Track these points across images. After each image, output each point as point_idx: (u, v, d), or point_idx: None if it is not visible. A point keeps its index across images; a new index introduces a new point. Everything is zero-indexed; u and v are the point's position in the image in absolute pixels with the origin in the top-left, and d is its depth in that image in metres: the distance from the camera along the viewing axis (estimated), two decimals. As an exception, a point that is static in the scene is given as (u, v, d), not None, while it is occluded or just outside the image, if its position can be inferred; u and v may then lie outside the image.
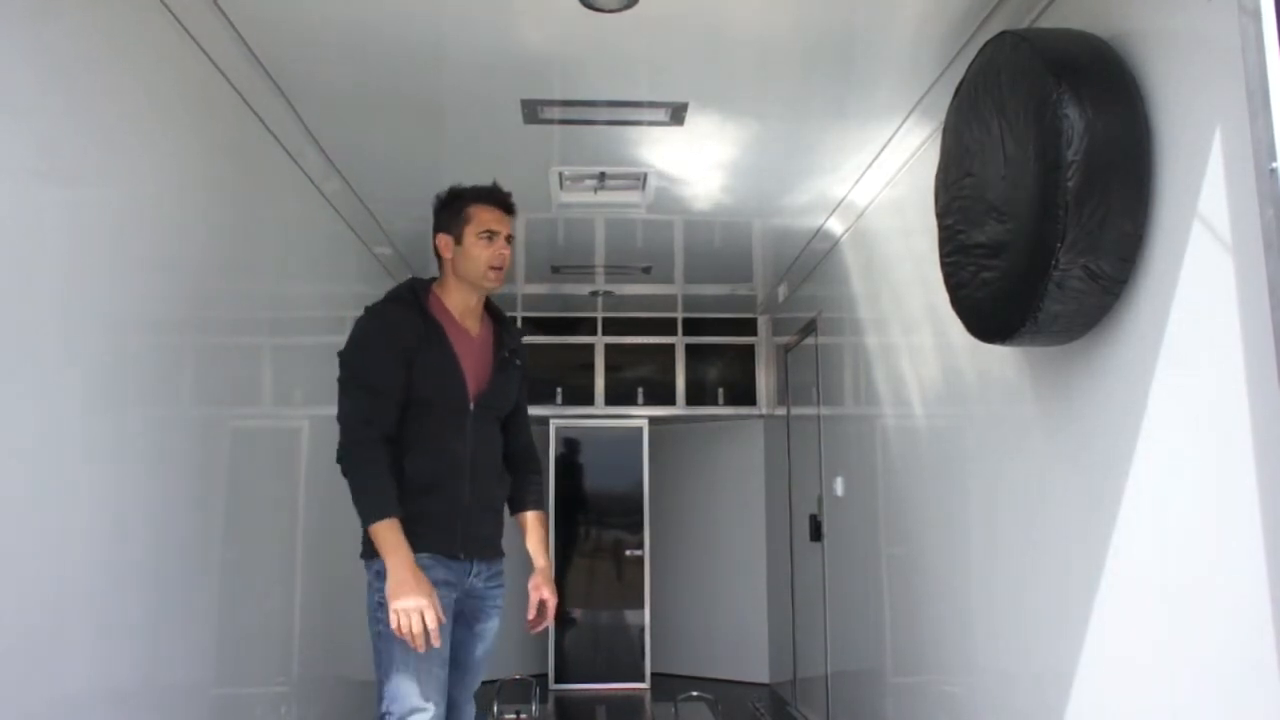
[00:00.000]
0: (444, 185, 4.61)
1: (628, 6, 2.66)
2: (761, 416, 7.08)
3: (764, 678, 6.95)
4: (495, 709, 5.71)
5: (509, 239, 2.66)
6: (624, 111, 3.44)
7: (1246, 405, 1.71)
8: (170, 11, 2.50)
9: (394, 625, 2.33)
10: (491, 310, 2.77)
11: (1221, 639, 1.82)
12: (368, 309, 2.59)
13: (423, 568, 2.42)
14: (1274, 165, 1.53)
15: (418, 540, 2.44)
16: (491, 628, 2.69)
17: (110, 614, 2.24)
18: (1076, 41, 2.17)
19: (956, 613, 3.22)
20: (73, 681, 2.08)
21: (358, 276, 4.65)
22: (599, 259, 5.60)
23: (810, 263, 5.35)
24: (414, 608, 2.32)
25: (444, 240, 2.65)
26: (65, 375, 2.06)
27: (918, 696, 3.68)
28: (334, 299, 4.28)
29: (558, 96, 3.31)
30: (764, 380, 7.05)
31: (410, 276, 2.73)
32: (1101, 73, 2.08)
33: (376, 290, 5.19)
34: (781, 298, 6.28)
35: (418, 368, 2.51)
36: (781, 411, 6.43)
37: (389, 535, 2.37)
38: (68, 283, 2.07)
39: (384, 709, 2.43)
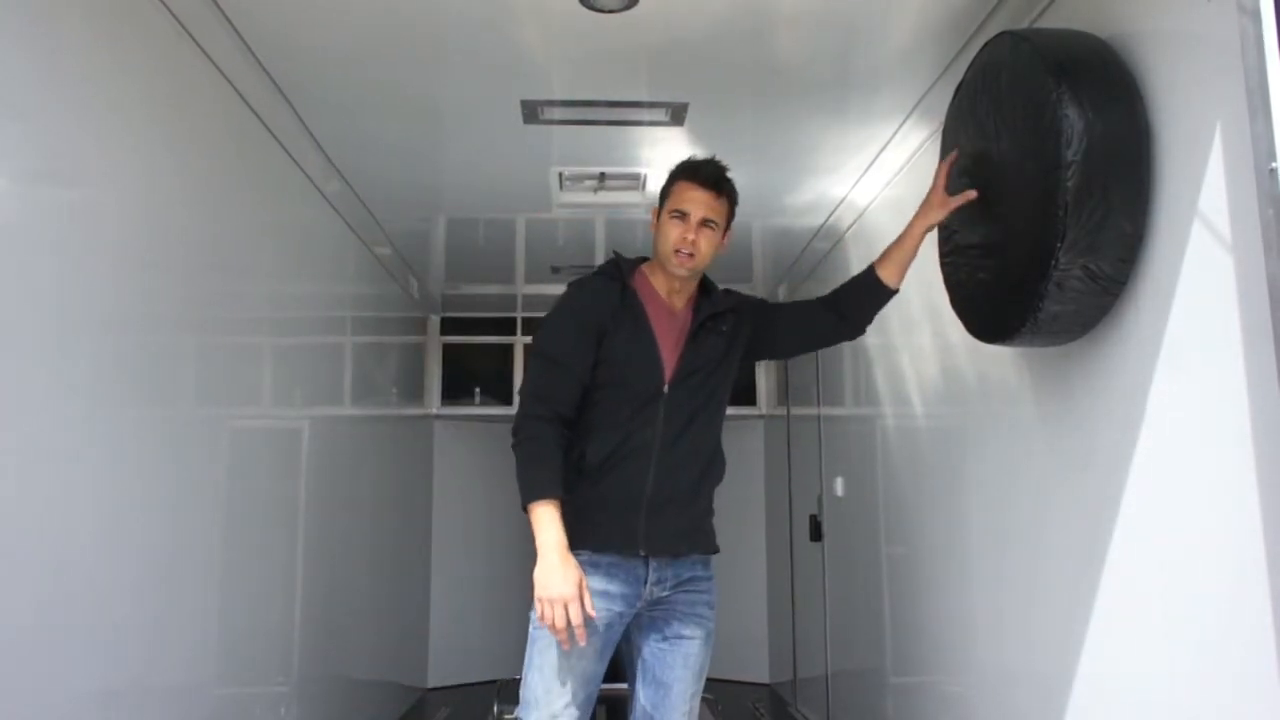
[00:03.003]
0: (444, 185, 4.63)
1: (628, 6, 2.66)
2: (761, 416, 7.08)
3: (764, 678, 6.95)
4: (495, 709, 5.71)
5: (705, 223, 2.45)
6: (624, 111, 3.44)
7: (1246, 405, 1.71)
8: (170, 12, 2.50)
9: (539, 615, 2.19)
10: (703, 285, 2.60)
11: (1222, 639, 1.82)
12: (570, 282, 2.49)
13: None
14: (1274, 165, 1.53)
15: (587, 535, 2.30)
16: (692, 639, 2.42)
17: (109, 614, 2.24)
18: (1076, 41, 2.17)
19: (957, 613, 3.22)
20: (71, 681, 2.07)
21: (358, 276, 4.65)
22: (599, 259, 5.59)
23: (810, 262, 5.35)
24: (558, 598, 2.15)
25: (653, 213, 2.54)
26: (63, 375, 2.06)
27: (918, 697, 3.68)
28: (334, 299, 4.28)
29: (558, 96, 3.31)
30: (764, 380, 7.04)
31: (614, 254, 2.62)
32: (1101, 73, 2.08)
33: (377, 290, 5.22)
34: (782, 298, 6.28)
35: (609, 345, 2.37)
36: (781, 411, 6.43)
37: (541, 517, 2.21)
38: (66, 283, 2.07)
39: (516, 713, 2.32)
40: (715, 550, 2.53)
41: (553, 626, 2.16)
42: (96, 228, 2.20)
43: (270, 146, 3.31)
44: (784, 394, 6.37)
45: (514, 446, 2.31)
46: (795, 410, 6.08)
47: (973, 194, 2.44)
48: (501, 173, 4.07)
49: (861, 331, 2.73)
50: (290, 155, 3.48)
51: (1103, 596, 2.22)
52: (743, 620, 7.09)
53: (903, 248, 2.59)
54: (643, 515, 2.35)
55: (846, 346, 4.77)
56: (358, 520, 4.46)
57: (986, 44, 2.40)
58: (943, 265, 2.63)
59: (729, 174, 2.53)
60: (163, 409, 2.53)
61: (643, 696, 2.44)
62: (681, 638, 2.42)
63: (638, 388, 2.39)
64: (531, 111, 3.40)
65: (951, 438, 3.33)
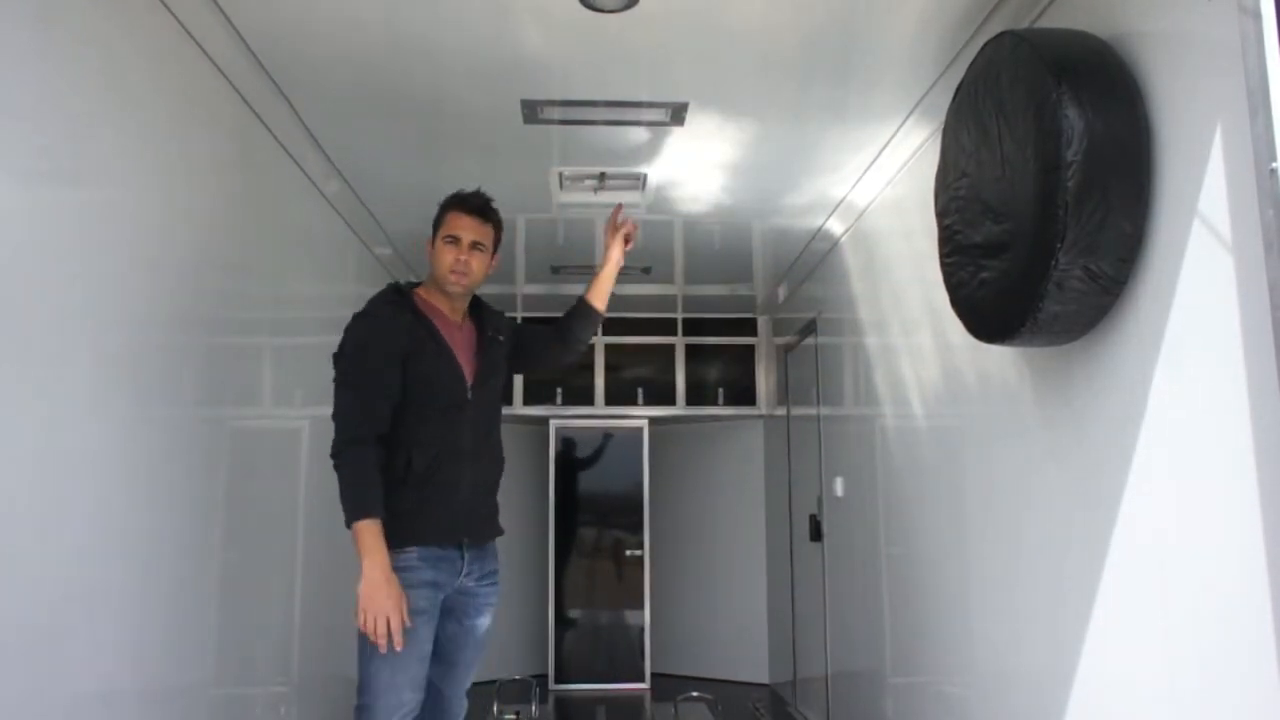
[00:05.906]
0: (444, 186, 4.61)
1: (628, 6, 2.66)
2: (761, 416, 7.08)
3: (764, 678, 6.95)
4: (495, 709, 5.71)
5: (474, 245, 2.72)
6: (624, 111, 3.44)
7: (1246, 405, 1.71)
8: (171, 13, 2.51)
9: (359, 624, 2.44)
10: (475, 300, 2.89)
11: (1221, 639, 1.82)
12: (356, 315, 2.68)
13: (410, 568, 2.52)
14: (1274, 165, 1.53)
15: (416, 533, 2.55)
16: (482, 625, 2.76)
17: (110, 614, 2.24)
18: (1076, 42, 2.17)
19: (956, 613, 3.22)
20: (72, 681, 2.08)
21: (358, 276, 4.65)
22: (599, 259, 5.59)
23: (810, 263, 5.35)
24: (381, 612, 2.42)
25: (428, 241, 2.80)
26: (65, 376, 2.06)
27: (917, 696, 3.68)
28: (334, 299, 4.28)
29: (558, 96, 3.31)
30: (764, 380, 7.05)
31: (389, 282, 2.86)
32: (1101, 73, 2.08)
33: (376, 290, 5.20)
34: (781, 298, 6.28)
35: (414, 367, 2.59)
36: (781, 411, 6.43)
37: (366, 536, 2.45)
38: (68, 283, 2.07)
39: (361, 700, 2.57)
40: (503, 532, 2.84)
41: (374, 635, 2.42)
42: (95, 228, 2.20)
43: (270, 146, 3.32)
44: (784, 394, 6.38)
45: (337, 467, 2.50)
46: (795, 410, 6.08)
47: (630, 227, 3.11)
48: (501, 173, 4.07)
49: (577, 350, 3.10)
50: (291, 156, 3.48)
51: (1102, 596, 2.23)
52: (743, 620, 7.10)
53: (602, 278, 3.10)
54: (463, 511, 2.65)
55: (846, 346, 4.78)
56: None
57: (987, 44, 2.40)
58: (943, 266, 2.63)
59: (494, 204, 2.82)
60: (163, 409, 2.54)
61: (431, 672, 2.66)
62: (476, 624, 2.74)
63: (447, 399, 2.64)
64: (531, 111, 3.40)
65: (951, 438, 3.34)
